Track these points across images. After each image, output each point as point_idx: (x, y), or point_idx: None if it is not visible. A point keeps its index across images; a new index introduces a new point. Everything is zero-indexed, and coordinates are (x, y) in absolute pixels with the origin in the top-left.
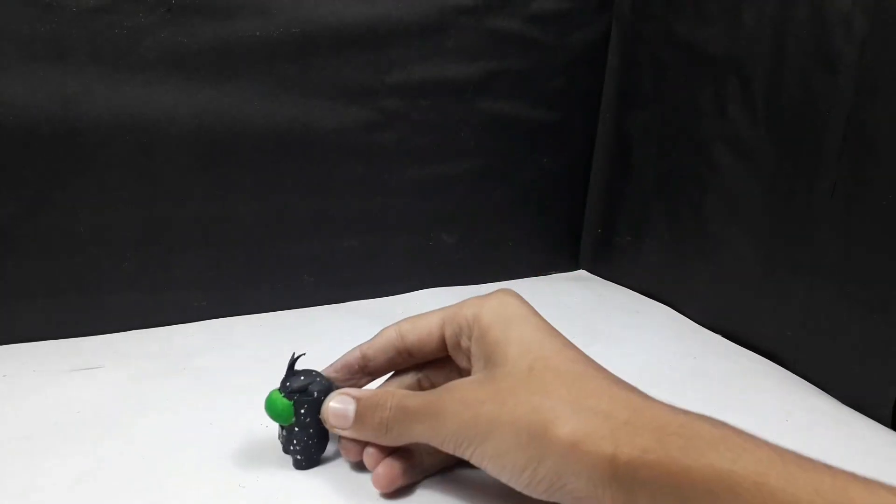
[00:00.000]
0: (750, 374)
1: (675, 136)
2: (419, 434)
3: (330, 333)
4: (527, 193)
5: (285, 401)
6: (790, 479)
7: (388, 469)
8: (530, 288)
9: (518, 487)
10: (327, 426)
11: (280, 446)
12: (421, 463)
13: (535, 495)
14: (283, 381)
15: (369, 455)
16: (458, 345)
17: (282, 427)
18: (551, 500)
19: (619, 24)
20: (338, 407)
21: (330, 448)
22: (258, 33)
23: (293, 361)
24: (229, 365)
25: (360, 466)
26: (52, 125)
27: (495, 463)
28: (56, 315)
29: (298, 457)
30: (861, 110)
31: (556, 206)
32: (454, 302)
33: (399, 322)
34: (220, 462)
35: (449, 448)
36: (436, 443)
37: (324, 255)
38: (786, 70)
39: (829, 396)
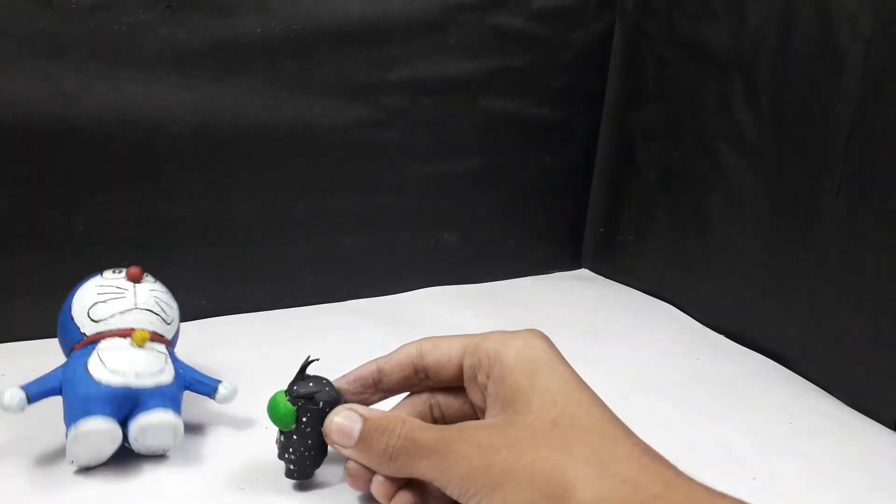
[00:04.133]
0: (753, 375)
1: (679, 135)
2: (424, 471)
3: (330, 332)
4: (529, 192)
5: (289, 405)
6: None
7: None
8: (532, 287)
9: None
10: (328, 441)
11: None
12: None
13: None
14: (291, 385)
15: (379, 484)
16: (474, 378)
17: (280, 432)
18: None
19: (623, 22)
20: (343, 423)
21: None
22: (259, 30)
23: (305, 365)
24: (229, 364)
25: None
26: (51, 122)
27: None
28: (55, 314)
29: (291, 466)
30: (867, 109)
31: (559, 204)
32: (454, 301)
33: (421, 340)
34: (220, 462)
35: (454, 493)
36: (440, 484)
37: (324, 254)
38: (791, 68)
39: (833, 398)
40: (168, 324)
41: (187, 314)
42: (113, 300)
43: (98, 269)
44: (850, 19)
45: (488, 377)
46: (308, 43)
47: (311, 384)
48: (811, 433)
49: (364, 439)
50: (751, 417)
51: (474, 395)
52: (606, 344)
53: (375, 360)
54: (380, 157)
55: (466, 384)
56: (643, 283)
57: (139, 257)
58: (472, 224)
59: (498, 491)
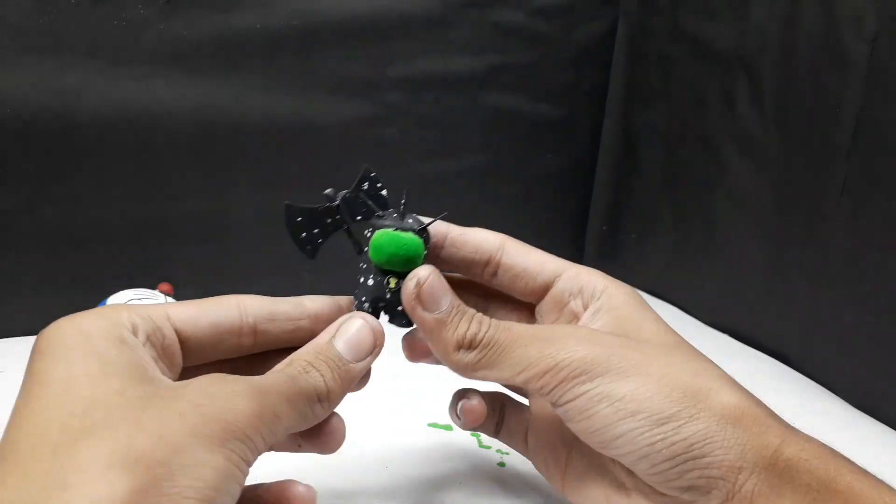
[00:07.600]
0: (757, 375)
1: (682, 133)
2: (518, 359)
3: None
4: (531, 189)
5: (417, 238)
6: None
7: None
8: None
9: (631, 447)
10: (408, 301)
11: None
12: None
13: (644, 467)
14: (374, 220)
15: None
16: (562, 302)
17: (385, 280)
18: (661, 479)
19: (626, 19)
20: (434, 287)
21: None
22: (259, 26)
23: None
24: None
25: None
26: (50, 119)
27: (626, 406)
28: (54, 310)
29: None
30: (871, 108)
31: (561, 202)
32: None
33: (501, 234)
34: None
35: (558, 377)
36: (544, 366)
37: (323, 252)
38: (795, 67)
39: (836, 397)
40: None
41: None
42: (147, 300)
43: (98, 268)
44: (854, 17)
45: (586, 307)
46: (309, 39)
47: (409, 220)
48: (815, 434)
49: (443, 321)
50: None
51: (548, 317)
52: None
53: (448, 224)
54: (381, 154)
55: (546, 304)
56: (646, 282)
57: (139, 255)
58: (473, 222)
59: (626, 379)
